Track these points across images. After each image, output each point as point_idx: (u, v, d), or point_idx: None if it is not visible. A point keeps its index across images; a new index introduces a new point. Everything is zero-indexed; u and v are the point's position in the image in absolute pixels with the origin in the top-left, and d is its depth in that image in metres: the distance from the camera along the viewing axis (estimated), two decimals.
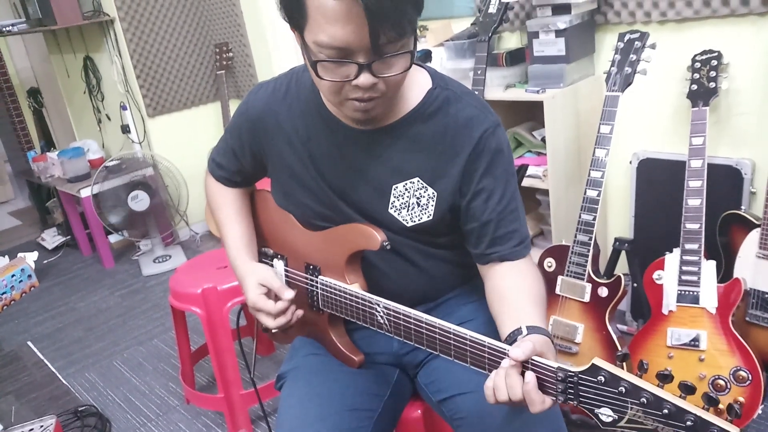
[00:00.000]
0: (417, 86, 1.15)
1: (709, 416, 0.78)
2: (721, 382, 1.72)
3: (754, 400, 1.71)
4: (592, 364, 0.86)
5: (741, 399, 1.70)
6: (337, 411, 1.20)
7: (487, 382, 0.94)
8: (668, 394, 0.81)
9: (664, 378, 0.86)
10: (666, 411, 0.80)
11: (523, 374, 0.91)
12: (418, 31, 0.99)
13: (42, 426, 1.85)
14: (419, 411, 1.36)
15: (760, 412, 1.73)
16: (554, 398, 0.90)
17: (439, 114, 1.14)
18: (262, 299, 1.22)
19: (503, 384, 0.91)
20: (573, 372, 0.88)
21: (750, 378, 1.69)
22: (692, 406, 0.80)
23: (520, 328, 0.98)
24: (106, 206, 3.61)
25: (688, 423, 0.79)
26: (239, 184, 1.40)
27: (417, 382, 1.32)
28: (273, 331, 1.29)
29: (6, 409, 2.57)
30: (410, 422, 1.36)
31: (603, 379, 0.85)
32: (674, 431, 0.81)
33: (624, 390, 0.83)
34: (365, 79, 0.98)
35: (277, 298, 1.23)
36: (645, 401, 0.82)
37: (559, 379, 0.89)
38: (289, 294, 1.22)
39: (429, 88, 1.15)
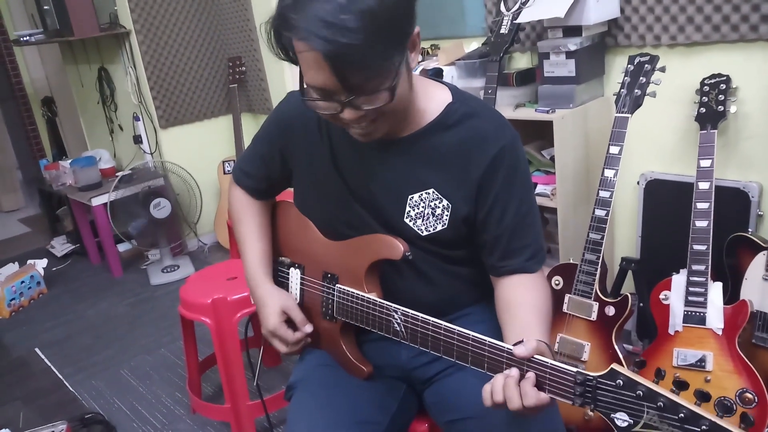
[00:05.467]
0: (436, 101, 1.18)
1: (724, 422, 0.81)
2: (727, 403, 1.73)
3: (760, 422, 1.71)
4: (611, 368, 0.89)
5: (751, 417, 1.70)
6: (346, 424, 1.22)
7: (486, 386, 0.97)
8: (684, 400, 0.83)
9: (680, 385, 0.88)
10: (682, 416, 0.83)
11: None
12: (412, 56, 1.03)
13: (53, 431, 1.86)
14: (426, 425, 1.37)
15: None
16: (551, 396, 0.94)
17: (457, 128, 1.17)
18: (282, 327, 1.29)
19: (500, 388, 0.95)
20: (592, 376, 0.90)
21: (756, 400, 1.69)
22: (707, 412, 0.82)
23: (522, 341, 1.00)
24: (125, 214, 3.64)
25: (703, 428, 0.81)
26: (264, 193, 1.42)
27: (424, 399, 1.33)
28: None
29: (14, 415, 2.59)
30: None
31: (621, 382, 0.88)
32: None
33: (641, 394, 0.86)
34: (349, 114, 1.03)
35: (294, 327, 1.30)
36: (662, 405, 0.84)
37: (578, 382, 0.91)
38: (309, 328, 1.30)
39: (448, 103, 1.18)
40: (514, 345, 0.98)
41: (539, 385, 0.95)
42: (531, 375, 0.95)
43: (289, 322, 1.31)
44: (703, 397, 0.84)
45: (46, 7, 3.60)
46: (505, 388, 0.95)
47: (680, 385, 0.84)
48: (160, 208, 3.63)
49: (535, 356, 0.95)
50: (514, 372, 0.96)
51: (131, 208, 3.63)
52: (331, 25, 0.91)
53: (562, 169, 2.19)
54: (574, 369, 0.92)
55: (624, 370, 0.88)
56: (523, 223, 1.18)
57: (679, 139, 2.16)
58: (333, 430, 1.20)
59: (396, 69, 1.01)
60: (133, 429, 2.41)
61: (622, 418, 0.88)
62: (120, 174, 3.66)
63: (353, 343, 1.30)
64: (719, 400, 1.73)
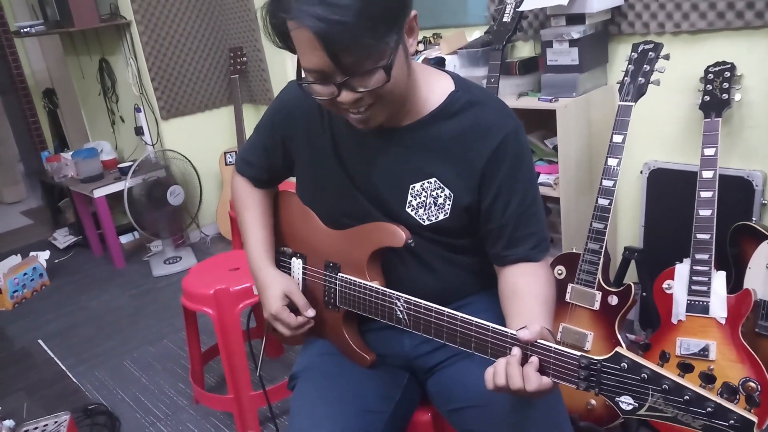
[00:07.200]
0: (439, 89, 1.17)
1: (729, 404, 0.81)
2: (732, 385, 1.72)
3: (763, 411, 1.71)
4: (615, 351, 0.89)
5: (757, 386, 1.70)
6: (349, 412, 1.22)
7: (488, 369, 0.98)
8: (689, 382, 0.83)
9: (685, 368, 0.88)
10: (687, 398, 0.83)
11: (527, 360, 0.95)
12: (404, 40, 1.03)
13: (56, 422, 1.87)
14: (429, 414, 1.37)
15: None
16: (554, 380, 0.94)
17: (459, 117, 1.16)
18: (285, 311, 1.28)
19: (503, 370, 0.95)
20: (596, 360, 0.90)
21: (759, 389, 1.69)
22: (712, 394, 0.82)
23: (526, 326, 1.00)
24: (140, 202, 3.64)
25: (708, 410, 0.82)
26: (266, 183, 1.42)
27: (427, 388, 1.33)
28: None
29: (17, 406, 2.60)
30: (420, 425, 1.37)
31: (626, 366, 0.88)
32: (694, 418, 0.83)
33: (646, 377, 0.86)
34: (346, 96, 1.02)
35: (296, 311, 1.29)
36: (666, 388, 0.84)
37: (582, 366, 0.91)
38: (311, 312, 1.29)
39: (451, 91, 1.17)
40: (518, 330, 0.98)
41: (543, 370, 0.95)
42: (534, 359, 0.95)
43: (292, 307, 1.31)
44: (708, 379, 0.83)
45: None
46: (507, 367, 0.95)
47: (685, 368, 0.84)
48: (176, 195, 3.66)
49: (539, 341, 0.95)
50: (515, 351, 0.96)
51: (151, 195, 3.64)
52: (322, 3, 0.91)
53: (565, 158, 2.18)
54: (578, 353, 0.92)
55: (628, 353, 0.88)
56: (527, 213, 1.17)
57: (682, 127, 2.15)
58: (336, 420, 1.20)
59: (391, 49, 1.00)
60: (136, 419, 2.41)
61: (626, 402, 0.89)
62: (134, 164, 3.66)
63: (356, 331, 1.30)
64: (724, 384, 1.73)
